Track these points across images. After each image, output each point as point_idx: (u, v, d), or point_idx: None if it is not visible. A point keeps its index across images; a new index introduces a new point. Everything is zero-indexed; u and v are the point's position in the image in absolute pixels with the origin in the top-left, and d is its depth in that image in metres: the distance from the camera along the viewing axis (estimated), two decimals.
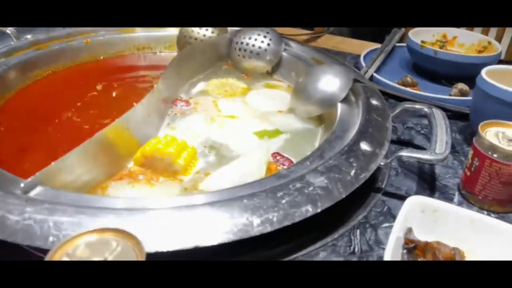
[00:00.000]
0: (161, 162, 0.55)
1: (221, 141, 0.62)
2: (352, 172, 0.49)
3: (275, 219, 0.42)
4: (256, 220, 0.42)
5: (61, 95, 0.72)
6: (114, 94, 0.73)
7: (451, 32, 0.96)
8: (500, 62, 0.87)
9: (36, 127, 0.63)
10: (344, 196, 0.47)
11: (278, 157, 0.58)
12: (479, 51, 0.91)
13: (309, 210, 0.44)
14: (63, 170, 0.47)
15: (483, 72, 0.66)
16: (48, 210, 0.39)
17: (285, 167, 0.57)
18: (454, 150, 0.66)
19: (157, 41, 0.90)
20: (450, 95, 0.81)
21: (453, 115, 0.74)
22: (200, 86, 0.77)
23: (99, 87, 0.74)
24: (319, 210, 0.44)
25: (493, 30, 1.46)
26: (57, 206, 0.40)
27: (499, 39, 1.45)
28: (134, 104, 0.59)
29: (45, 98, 0.71)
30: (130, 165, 0.56)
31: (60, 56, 0.79)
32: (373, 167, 0.52)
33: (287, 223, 0.42)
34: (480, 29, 1.45)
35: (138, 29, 0.89)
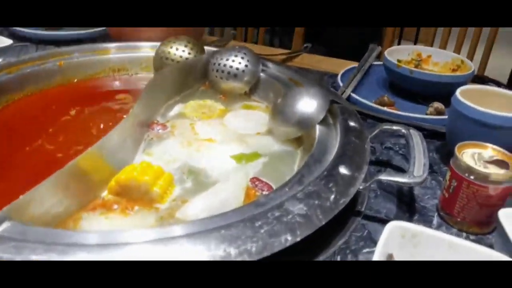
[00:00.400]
0: (137, 190, 0.53)
1: (198, 166, 0.61)
2: (332, 198, 0.49)
3: (253, 249, 0.41)
4: (234, 251, 0.41)
5: (33, 121, 0.70)
6: (88, 118, 0.72)
7: (425, 51, 0.98)
8: (474, 77, 0.89)
9: (5, 156, 0.61)
10: (323, 223, 0.46)
11: (257, 182, 0.57)
12: (453, 70, 0.93)
13: (288, 239, 0.43)
14: (33, 203, 0.46)
15: (458, 92, 0.66)
16: (16, 248, 0.38)
17: (264, 192, 0.56)
18: (432, 170, 0.67)
19: (132, 63, 0.88)
20: (427, 114, 0.81)
21: (430, 134, 0.75)
22: (177, 108, 0.76)
23: (72, 111, 0.72)
24: (298, 239, 0.43)
25: (465, 47, 1.50)
26: (25, 244, 0.38)
27: (471, 55, 1.48)
28: (110, 127, 0.57)
29: (16, 124, 0.68)
30: (104, 194, 0.54)
31: (32, 80, 0.77)
32: (352, 191, 0.51)
33: (266, 253, 0.41)
34: (452, 47, 1.49)
35: (112, 50, 0.87)
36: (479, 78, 1.48)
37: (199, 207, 0.52)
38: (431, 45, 1.54)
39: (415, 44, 2.52)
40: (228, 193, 0.55)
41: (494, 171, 0.52)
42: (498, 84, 1.59)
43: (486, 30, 1.48)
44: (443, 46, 1.51)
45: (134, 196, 0.53)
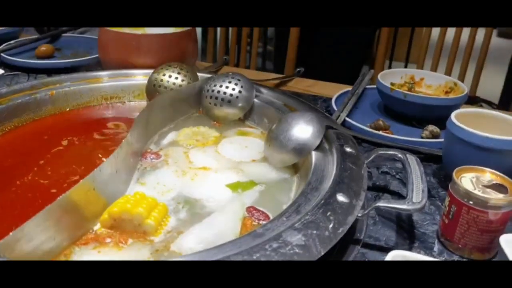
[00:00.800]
0: (130, 223, 0.52)
1: (193, 195, 0.59)
2: (330, 227, 0.48)
3: None
4: None
5: (24, 152, 0.68)
6: (80, 148, 0.70)
7: (418, 73, 0.98)
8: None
9: None
10: (322, 253, 0.45)
11: (253, 212, 0.56)
12: (446, 92, 0.93)
13: None
14: (23, 239, 0.44)
15: (453, 116, 0.66)
16: None
17: (261, 222, 0.55)
18: (429, 194, 0.66)
19: (125, 91, 0.87)
20: (422, 137, 0.81)
21: (426, 157, 0.74)
22: (171, 136, 0.75)
23: (64, 141, 0.71)
24: None
25: (456, 68, 1.52)
26: None
27: (462, 75, 1.50)
28: (102, 157, 0.56)
29: (7, 156, 0.67)
30: (97, 227, 0.53)
31: (23, 110, 0.76)
32: (351, 219, 0.50)
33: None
34: (443, 67, 1.51)
35: (104, 78, 0.87)
36: (471, 99, 1.50)
37: (195, 239, 0.51)
38: (422, 66, 1.55)
39: (406, 64, 2.56)
40: (224, 223, 0.54)
41: (494, 196, 0.52)
42: (490, 104, 1.61)
43: (476, 50, 1.50)
44: (435, 66, 1.53)
45: (127, 229, 0.52)
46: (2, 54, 1.12)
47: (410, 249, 0.55)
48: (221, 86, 0.80)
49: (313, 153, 0.63)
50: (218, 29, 1.88)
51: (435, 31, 1.50)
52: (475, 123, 0.64)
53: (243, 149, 0.73)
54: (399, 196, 0.66)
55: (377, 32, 2.04)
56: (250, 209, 0.57)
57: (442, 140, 0.75)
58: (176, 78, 0.83)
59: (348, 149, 0.63)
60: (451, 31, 1.49)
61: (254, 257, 0.42)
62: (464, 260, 0.54)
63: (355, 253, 0.53)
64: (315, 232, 0.46)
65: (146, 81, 0.85)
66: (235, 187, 0.61)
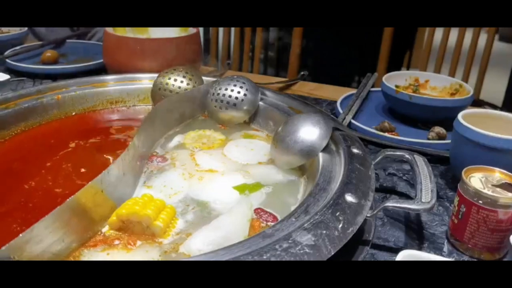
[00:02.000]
0: (139, 225, 0.52)
1: (201, 198, 0.59)
2: (339, 227, 0.48)
3: None
4: None
5: (31, 156, 0.69)
6: (87, 152, 0.70)
7: (422, 76, 0.98)
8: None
9: (3, 192, 0.59)
10: (332, 253, 0.45)
11: (261, 213, 0.56)
12: (452, 94, 0.93)
13: None
14: (32, 241, 0.44)
15: (460, 116, 0.66)
16: None
17: (269, 223, 0.55)
18: (438, 195, 0.65)
19: (130, 95, 0.88)
20: (428, 138, 0.81)
21: (433, 159, 0.74)
22: (177, 139, 0.75)
23: (71, 145, 0.71)
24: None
25: (460, 71, 1.52)
26: None
27: (465, 80, 1.50)
28: (109, 160, 0.56)
29: (14, 160, 0.67)
30: (105, 229, 0.52)
31: (30, 114, 0.76)
32: (360, 219, 0.50)
33: None
34: (447, 70, 1.51)
35: (110, 82, 0.87)
36: (475, 102, 1.50)
37: (204, 240, 0.51)
38: (425, 70, 1.55)
39: (408, 69, 2.56)
40: (232, 225, 0.53)
41: (503, 195, 0.51)
42: (493, 107, 1.61)
43: (479, 54, 1.50)
44: (438, 70, 1.53)
45: (136, 231, 0.52)
46: (7, 60, 1.13)
47: (419, 249, 0.55)
48: (226, 89, 0.80)
49: (320, 155, 0.63)
50: (220, 35, 1.89)
51: (437, 35, 1.50)
52: (482, 123, 0.64)
53: (249, 151, 0.72)
54: (407, 197, 0.66)
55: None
56: (258, 211, 0.57)
57: (449, 141, 0.74)
58: (182, 81, 0.83)
59: (355, 150, 0.63)
60: (453, 36, 1.50)
61: (264, 258, 0.42)
62: (475, 260, 0.53)
63: (364, 254, 0.53)
64: (324, 232, 0.46)
65: (151, 85, 0.85)
66: (242, 189, 0.61)
